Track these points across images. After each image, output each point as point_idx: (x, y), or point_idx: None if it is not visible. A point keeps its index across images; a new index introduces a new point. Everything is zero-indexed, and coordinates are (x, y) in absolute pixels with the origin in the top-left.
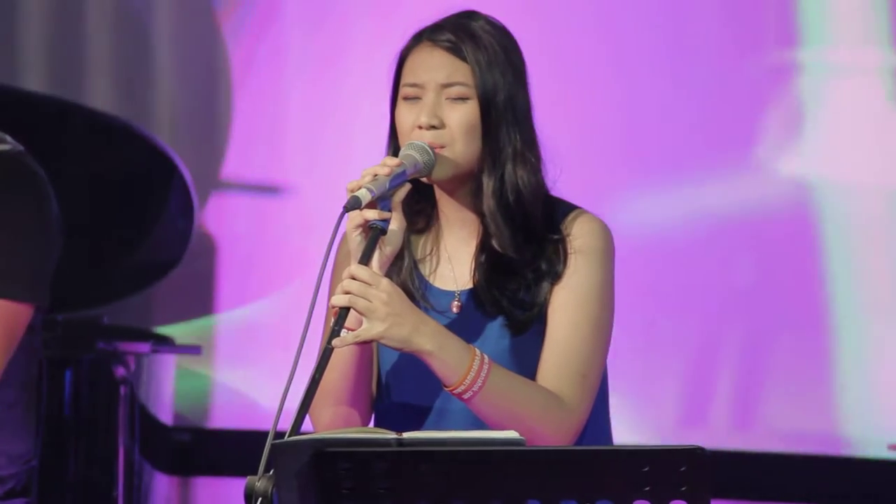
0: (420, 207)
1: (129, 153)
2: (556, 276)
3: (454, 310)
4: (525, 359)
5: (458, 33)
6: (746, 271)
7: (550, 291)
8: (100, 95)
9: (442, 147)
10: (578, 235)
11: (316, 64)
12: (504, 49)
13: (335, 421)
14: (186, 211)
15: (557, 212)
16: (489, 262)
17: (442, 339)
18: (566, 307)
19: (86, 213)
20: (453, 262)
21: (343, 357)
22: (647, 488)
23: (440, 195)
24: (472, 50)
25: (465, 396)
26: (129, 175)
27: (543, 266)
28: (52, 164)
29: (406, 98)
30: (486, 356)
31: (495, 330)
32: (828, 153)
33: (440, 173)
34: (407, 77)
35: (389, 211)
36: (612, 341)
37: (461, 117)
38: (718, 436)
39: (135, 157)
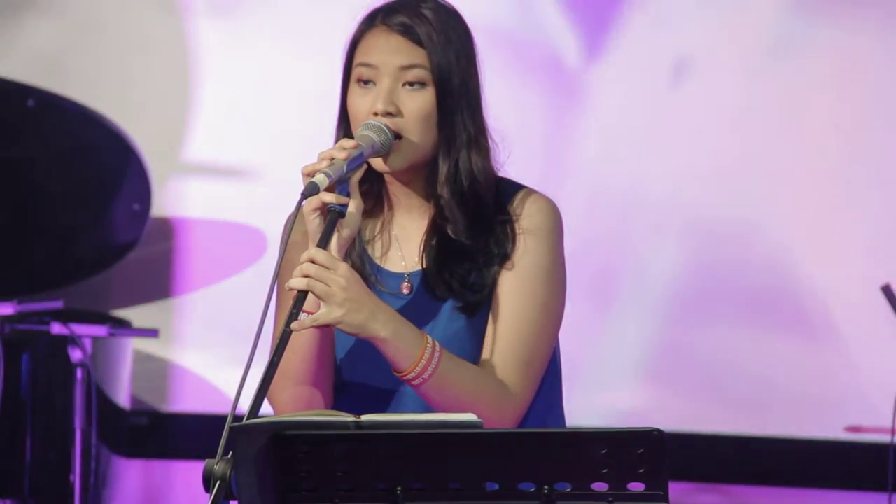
0: (367, 188)
1: (85, 136)
2: (505, 258)
3: (405, 291)
4: (477, 341)
5: (412, 17)
6: (702, 255)
7: (499, 272)
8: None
9: (398, 136)
10: (526, 216)
11: (274, 46)
12: (457, 33)
13: (294, 402)
14: (143, 194)
15: (505, 192)
16: (439, 246)
17: (397, 326)
18: (513, 291)
19: (41, 196)
20: (401, 244)
21: (302, 339)
22: (606, 471)
23: (389, 179)
24: (428, 35)
25: (415, 383)
26: (85, 158)
27: (493, 248)
28: (6, 148)
29: (360, 80)
30: (437, 344)
31: (447, 312)
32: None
33: (396, 162)
34: (361, 57)
35: (347, 194)
36: (565, 324)
37: (418, 105)
38: (677, 418)
39: (90, 140)
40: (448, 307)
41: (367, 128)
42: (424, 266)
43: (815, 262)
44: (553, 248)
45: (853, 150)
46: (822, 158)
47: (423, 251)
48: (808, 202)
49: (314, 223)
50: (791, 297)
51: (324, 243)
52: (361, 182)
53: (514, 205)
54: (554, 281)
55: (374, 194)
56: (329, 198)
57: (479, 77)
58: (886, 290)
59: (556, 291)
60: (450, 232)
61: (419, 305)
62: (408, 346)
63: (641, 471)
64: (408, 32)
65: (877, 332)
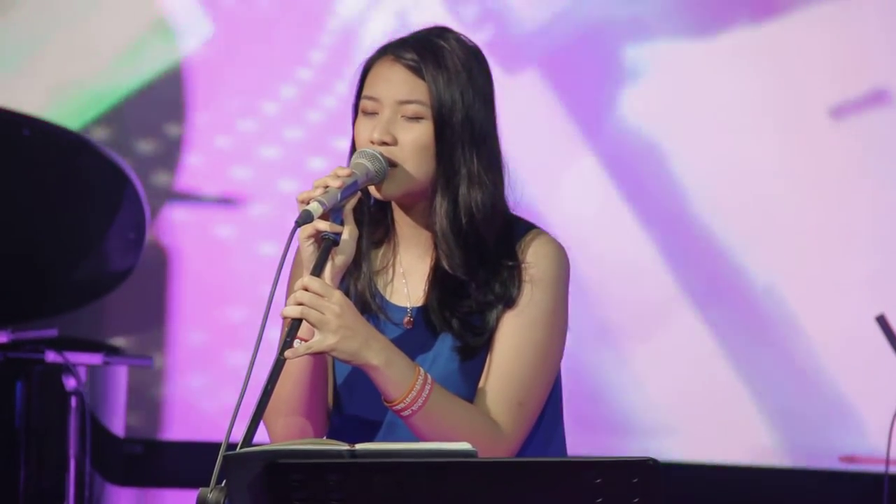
0: (379, 217)
1: (81, 165)
2: (509, 301)
3: (406, 326)
4: (473, 381)
5: (421, 51)
6: (702, 276)
7: (501, 316)
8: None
9: (393, 164)
10: (533, 263)
11: (268, 74)
12: (467, 69)
13: (289, 431)
14: (138, 222)
15: (515, 232)
16: (442, 283)
17: (389, 355)
18: (512, 332)
19: (37, 224)
20: (407, 278)
21: (297, 367)
22: (600, 500)
23: (396, 210)
24: (433, 69)
25: (404, 414)
26: (81, 187)
27: (497, 289)
28: (1, 177)
29: (364, 111)
30: (429, 376)
31: (446, 351)
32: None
33: (390, 190)
34: (366, 90)
35: (341, 222)
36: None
37: (414, 137)
38: (670, 447)
39: (87, 168)
40: (448, 346)
41: (362, 155)
42: (427, 302)
43: (810, 291)
44: (557, 295)
45: (850, 177)
46: (818, 184)
47: (427, 287)
48: (803, 229)
49: (308, 251)
50: (786, 328)
51: (318, 271)
52: (374, 211)
53: (523, 247)
54: (554, 326)
55: (385, 225)
56: (323, 225)
57: (492, 114)
58: (881, 320)
59: (556, 336)
60: (445, 265)
61: (419, 341)
62: (399, 376)
63: (636, 500)
64: (412, 66)
65: (871, 362)
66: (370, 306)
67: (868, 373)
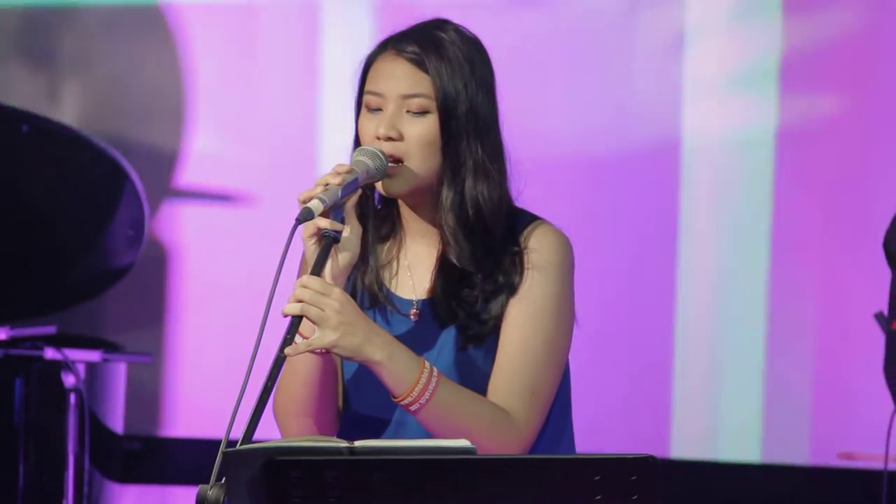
0: (386, 213)
1: (80, 161)
2: (512, 289)
3: (413, 318)
4: (483, 371)
5: (422, 44)
6: (695, 274)
7: (506, 304)
8: (53, 103)
9: (399, 160)
10: (536, 249)
11: (270, 71)
12: (469, 61)
13: (302, 431)
14: (137, 219)
15: (518, 223)
16: (447, 274)
17: (392, 350)
18: (519, 322)
19: (36, 221)
20: (413, 271)
21: (305, 367)
22: (599, 497)
23: (402, 205)
24: (435, 61)
25: (412, 408)
26: (80, 183)
27: (500, 278)
28: (2, 173)
29: (368, 107)
30: (435, 369)
31: (453, 341)
32: None
33: (398, 187)
34: (369, 85)
35: (342, 220)
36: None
37: (419, 131)
38: (669, 444)
39: (85, 165)
40: (454, 336)
41: (362, 153)
42: (433, 294)
43: (808, 287)
44: (561, 282)
45: (852, 169)
46: (819, 177)
47: (433, 279)
48: (805, 227)
49: (311, 249)
50: (784, 324)
51: (318, 269)
52: (381, 206)
53: (525, 236)
54: (561, 313)
55: (392, 220)
56: (324, 223)
57: (494, 105)
58: (880, 316)
59: (563, 323)
60: (452, 258)
61: (426, 333)
62: (403, 371)
63: (635, 497)
64: (414, 59)
65: (869, 359)
66: (378, 299)
67: (866, 369)
